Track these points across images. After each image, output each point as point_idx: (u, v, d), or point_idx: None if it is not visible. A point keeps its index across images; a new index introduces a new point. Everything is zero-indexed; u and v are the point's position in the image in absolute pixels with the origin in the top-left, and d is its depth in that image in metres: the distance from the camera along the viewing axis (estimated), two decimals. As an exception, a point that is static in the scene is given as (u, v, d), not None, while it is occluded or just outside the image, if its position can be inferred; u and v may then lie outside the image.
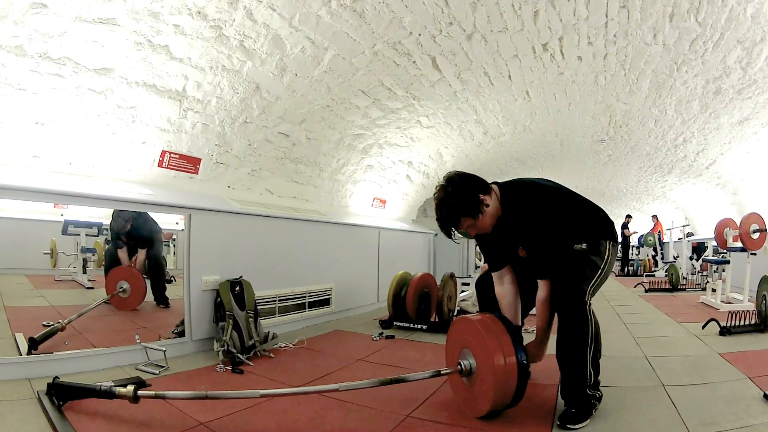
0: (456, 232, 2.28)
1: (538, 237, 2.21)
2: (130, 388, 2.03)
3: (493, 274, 2.52)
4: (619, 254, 12.89)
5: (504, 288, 2.47)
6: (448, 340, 2.45)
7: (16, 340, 2.75)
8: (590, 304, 2.18)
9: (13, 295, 2.99)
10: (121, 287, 3.47)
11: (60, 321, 2.96)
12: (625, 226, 12.64)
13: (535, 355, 2.38)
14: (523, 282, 2.48)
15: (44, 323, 2.91)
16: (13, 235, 3.02)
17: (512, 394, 2.06)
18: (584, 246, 2.22)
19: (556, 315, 2.23)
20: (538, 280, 2.28)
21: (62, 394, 2.14)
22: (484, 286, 2.71)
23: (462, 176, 2.24)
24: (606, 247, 2.26)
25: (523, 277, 2.48)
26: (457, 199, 2.17)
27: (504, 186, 2.32)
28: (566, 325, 2.14)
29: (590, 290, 2.19)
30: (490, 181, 2.32)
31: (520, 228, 2.26)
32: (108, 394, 2.05)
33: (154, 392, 2.05)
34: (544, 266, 2.26)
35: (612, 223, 2.37)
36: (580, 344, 2.11)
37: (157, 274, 3.72)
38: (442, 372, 2.26)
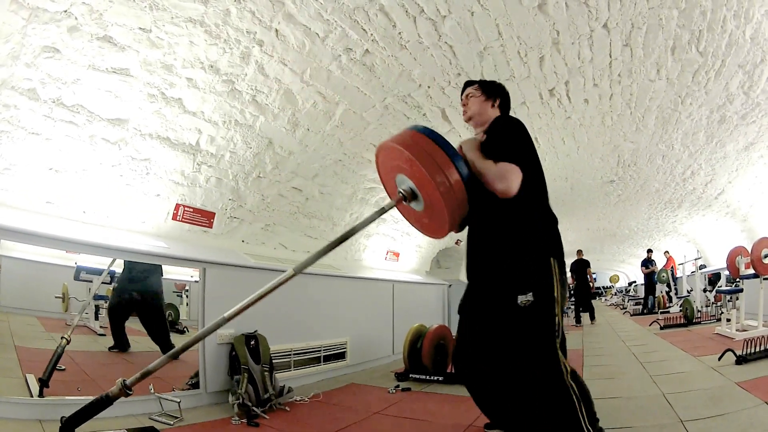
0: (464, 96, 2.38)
1: (503, 137, 2.07)
2: (118, 382, 1.98)
3: None
4: (637, 293, 12.50)
5: None
6: (380, 172, 2.23)
7: (27, 381, 2.72)
8: (566, 368, 1.92)
9: (24, 336, 2.96)
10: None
11: (63, 336, 2.92)
12: (646, 263, 12.20)
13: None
14: None
15: (58, 368, 2.86)
16: (25, 277, 3.01)
17: (465, 202, 1.93)
18: (530, 297, 1.92)
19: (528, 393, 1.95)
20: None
21: (72, 424, 2.05)
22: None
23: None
24: (553, 272, 1.98)
25: None
26: (487, 81, 2.41)
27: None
28: (545, 411, 1.90)
29: (560, 349, 1.94)
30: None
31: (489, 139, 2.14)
32: (106, 400, 2.01)
33: (140, 373, 1.98)
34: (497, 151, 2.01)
35: (556, 227, 2.12)
36: (570, 420, 1.86)
37: (158, 327, 3.65)
38: (386, 207, 2.06)
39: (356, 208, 5.34)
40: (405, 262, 7.18)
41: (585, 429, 1.86)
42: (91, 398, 2.65)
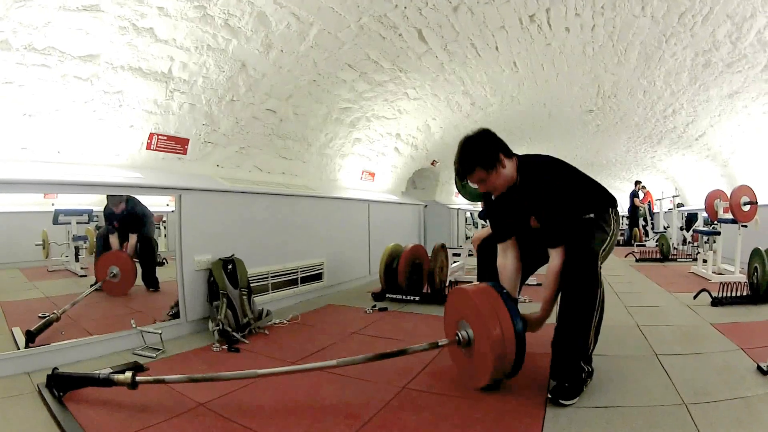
0: (468, 184, 2.44)
1: (553, 203, 2.23)
2: (128, 374, 2.06)
3: (498, 245, 2.53)
4: (625, 226, 12.72)
5: (507, 261, 2.48)
6: (446, 311, 2.44)
7: (13, 334, 2.75)
8: (600, 267, 2.21)
9: (8, 290, 2.99)
10: (111, 272, 3.46)
11: (54, 312, 2.95)
12: (635, 194, 12.19)
13: (534, 325, 2.35)
14: (524, 250, 2.50)
15: (40, 315, 2.92)
16: (3, 229, 3.00)
17: (511, 365, 2.08)
18: (592, 215, 2.37)
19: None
20: (550, 250, 2.24)
21: (62, 384, 2.16)
22: (486, 253, 2.69)
23: (489, 133, 2.30)
24: (611, 216, 2.43)
25: (525, 246, 2.49)
26: (477, 149, 2.24)
27: (522, 157, 2.37)
28: (575, 287, 2.15)
29: (601, 253, 2.27)
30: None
31: (535, 196, 2.27)
32: (107, 382, 2.09)
33: (153, 377, 2.09)
34: (557, 233, 2.22)
35: (612, 195, 2.51)
36: (588, 308, 2.13)
37: (147, 256, 3.72)
38: (440, 344, 2.27)
39: (331, 128, 5.31)
40: (380, 182, 7.24)
41: (592, 333, 2.17)
42: (74, 341, 2.76)
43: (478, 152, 2.24)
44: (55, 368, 2.24)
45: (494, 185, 2.30)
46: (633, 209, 12.20)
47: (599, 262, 2.20)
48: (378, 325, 3.59)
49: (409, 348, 2.27)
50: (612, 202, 2.48)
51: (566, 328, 2.17)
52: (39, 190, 2.85)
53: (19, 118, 2.79)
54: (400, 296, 4.44)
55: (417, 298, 4.36)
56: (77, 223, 3.36)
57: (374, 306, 4.19)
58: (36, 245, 3.26)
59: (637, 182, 12.42)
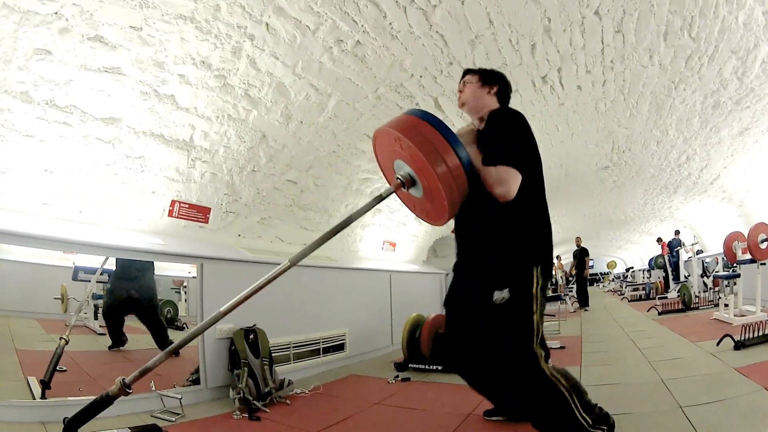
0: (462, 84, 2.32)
1: (498, 132, 2.00)
2: (118, 380, 1.98)
3: None
4: (634, 278, 12.24)
5: None
6: (377, 158, 2.12)
7: (29, 383, 2.73)
8: (543, 362, 1.91)
9: (25, 339, 3.00)
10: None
11: (62, 336, 2.93)
12: (679, 243, 11.37)
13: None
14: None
15: (59, 369, 2.88)
16: (24, 279, 3.05)
17: (465, 188, 1.84)
18: (506, 295, 1.88)
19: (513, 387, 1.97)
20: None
21: (74, 425, 2.06)
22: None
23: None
24: (534, 278, 1.94)
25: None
26: (492, 70, 2.36)
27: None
28: (535, 405, 1.93)
29: (537, 346, 1.91)
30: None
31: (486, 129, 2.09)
32: (107, 400, 2.02)
33: (138, 372, 1.97)
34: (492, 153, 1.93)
35: (549, 236, 2.07)
36: (562, 411, 1.88)
37: (154, 324, 3.68)
38: (384, 194, 1.99)
39: (351, 199, 5.34)
40: (401, 251, 7.20)
41: (580, 418, 1.88)
42: (93, 398, 2.68)
43: (489, 70, 2.35)
44: (65, 417, 2.13)
45: (468, 96, 2.26)
46: (676, 260, 11.35)
47: (541, 362, 1.90)
48: (401, 396, 3.49)
49: (353, 214, 1.98)
50: (543, 252, 2.02)
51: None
52: (60, 248, 2.88)
53: (40, 173, 2.84)
54: (423, 366, 4.35)
55: (440, 368, 4.25)
56: (97, 281, 3.35)
57: (397, 376, 4.08)
58: (55, 299, 3.26)
59: (677, 231, 11.93)
